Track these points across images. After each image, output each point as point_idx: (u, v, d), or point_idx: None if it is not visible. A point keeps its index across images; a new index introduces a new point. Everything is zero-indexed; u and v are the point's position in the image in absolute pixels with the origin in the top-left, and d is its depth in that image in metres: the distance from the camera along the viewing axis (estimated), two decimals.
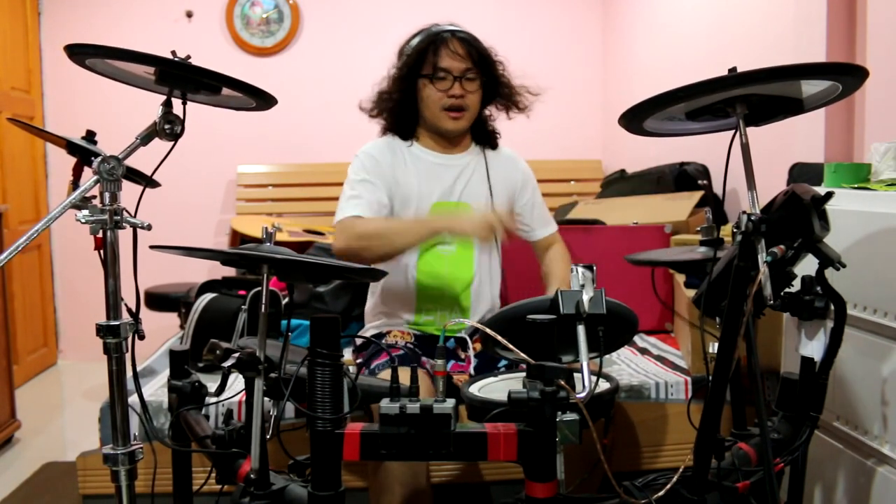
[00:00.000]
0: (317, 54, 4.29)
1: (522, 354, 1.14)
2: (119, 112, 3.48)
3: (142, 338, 1.17)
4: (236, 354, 1.19)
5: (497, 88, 1.99)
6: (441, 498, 1.95)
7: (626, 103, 1.18)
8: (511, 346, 1.15)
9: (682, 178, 3.09)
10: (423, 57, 1.90)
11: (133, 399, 1.27)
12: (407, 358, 1.83)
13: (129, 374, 1.18)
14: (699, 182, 2.96)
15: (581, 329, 1.22)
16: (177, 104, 1.23)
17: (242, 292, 2.29)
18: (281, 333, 2.06)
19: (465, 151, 2.03)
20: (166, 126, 1.19)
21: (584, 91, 4.43)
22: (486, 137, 2.06)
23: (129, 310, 1.16)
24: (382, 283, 1.99)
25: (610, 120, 4.28)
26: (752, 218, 1.10)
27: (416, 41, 1.93)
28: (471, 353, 1.91)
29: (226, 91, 1.27)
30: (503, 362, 1.86)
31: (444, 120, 1.94)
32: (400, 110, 1.98)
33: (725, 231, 1.96)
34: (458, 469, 2.00)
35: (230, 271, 3.28)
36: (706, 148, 3.02)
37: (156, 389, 2.07)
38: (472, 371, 1.88)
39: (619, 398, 2.02)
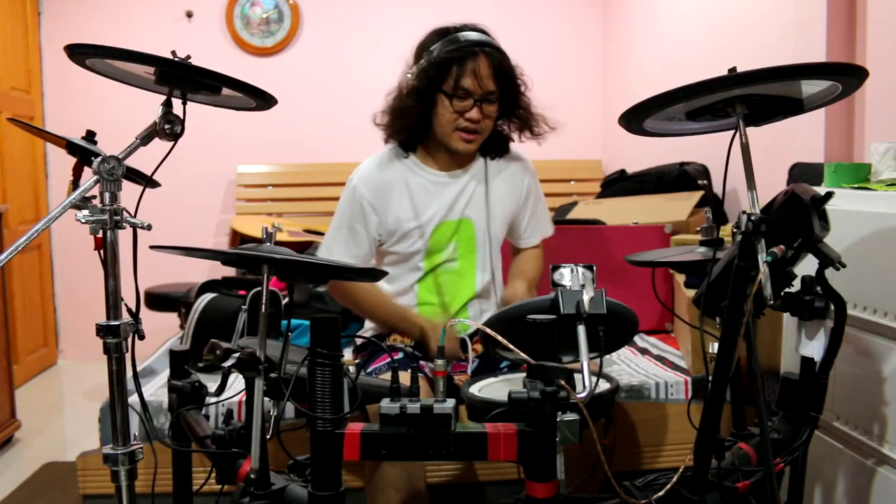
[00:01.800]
0: (317, 54, 4.29)
1: (523, 355, 1.14)
2: (119, 112, 3.49)
3: (142, 338, 1.17)
4: (236, 354, 1.18)
5: (515, 111, 1.91)
6: (437, 498, 1.95)
7: (626, 103, 1.18)
8: (511, 347, 1.15)
9: (682, 178, 3.09)
10: (447, 69, 1.79)
11: (133, 399, 1.27)
12: (406, 361, 1.83)
13: (129, 374, 1.18)
14: (699, 182, 2.96)
15: (581, 329, 1.22)
16: (177, 104, 1.23)
17: (242, 292, 2.29)
18: (281, 333, 2.06)
19: (469, 164, 1.95)
20: (166, 126, 1.19)
21: (584, 91, 4.43)
22: (495, 147, 1.97)
23: (129, 310, 1.16)
24: (385, 289, 1.97)
25: (610, 120, 4.28)
26: (752, 218, 1.10)
27: (438, 47, 1.81)
28: (470, 354, 1.90)
29: (226, 91, 1.27)
30: (505, 363, 1.85)
31: (455, 140, 1.85)
32: (417, 124, 1.88)
33: (725, 231, 1.96)
34: (454, 469, 2.00)
35: (230, 271, 3.28)
36: (706, 148, 3.01)
37: (156, 389, 2.07)
38: (469, 373, 1.87)
39: (619, 398, 2.02)
